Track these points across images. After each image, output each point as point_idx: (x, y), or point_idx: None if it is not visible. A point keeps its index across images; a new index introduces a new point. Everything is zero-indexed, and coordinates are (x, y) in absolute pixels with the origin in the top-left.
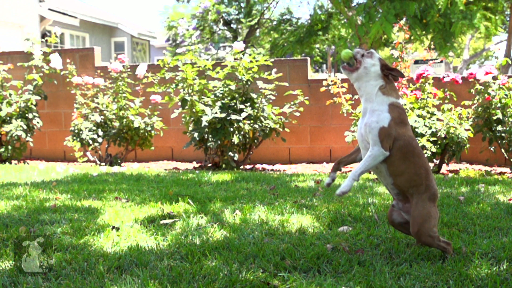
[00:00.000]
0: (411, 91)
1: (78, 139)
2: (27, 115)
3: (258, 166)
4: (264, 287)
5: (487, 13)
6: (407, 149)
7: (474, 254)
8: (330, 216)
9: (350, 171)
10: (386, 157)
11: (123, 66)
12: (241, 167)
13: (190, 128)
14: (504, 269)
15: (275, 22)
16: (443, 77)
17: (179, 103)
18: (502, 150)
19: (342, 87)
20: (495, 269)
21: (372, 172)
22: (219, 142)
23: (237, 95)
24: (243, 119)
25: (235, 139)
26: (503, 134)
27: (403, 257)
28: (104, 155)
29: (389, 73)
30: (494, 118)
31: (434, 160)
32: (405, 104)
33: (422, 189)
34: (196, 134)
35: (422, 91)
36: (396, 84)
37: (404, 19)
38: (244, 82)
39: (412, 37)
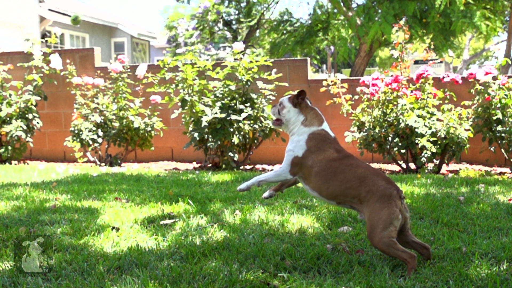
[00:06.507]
0: (411, 91)
1: (78, 140)
2: (27, 115)
3: (258, 166)
4: (264, 287)
5: (487, 12)
6: (326, 172)
7: (474, 254)
8: (330, 216)
9: None
10: (309, 181)
11: (123, 66)
12: (241, 167)
13: (190, 129)
14: (504, 269)
15: (275, 23)
16: (443, 77)
17: (179, 104)
18: (502, 150)
19: (342, 87)
20: (495, 269)
21: None
22: (219, 143)
23: (237, 96)
24: (243, 119)
25: (235, 140)
26: (503, 134)
27: None
28: (104, 155)
29: (298, 100)
30: (494, 118)
31: (434, 160)
32: (404, 105)
33: (363, 196)
34: (196, 135)
35: (422, 91)
36: (316, 110)
37: (404, 19)
38: (244, 82)
39: (412, 37)
